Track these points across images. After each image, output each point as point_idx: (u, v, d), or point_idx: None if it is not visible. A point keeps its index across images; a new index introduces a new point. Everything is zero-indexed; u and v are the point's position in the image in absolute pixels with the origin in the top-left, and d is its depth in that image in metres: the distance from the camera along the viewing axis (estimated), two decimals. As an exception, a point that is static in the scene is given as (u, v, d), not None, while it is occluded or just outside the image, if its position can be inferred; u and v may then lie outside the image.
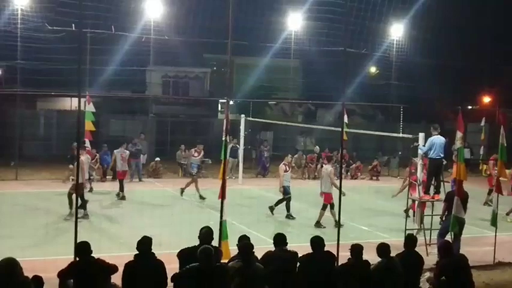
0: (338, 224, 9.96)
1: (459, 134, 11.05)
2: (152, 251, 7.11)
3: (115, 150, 19.01)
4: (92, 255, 7.09)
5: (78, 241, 7.40)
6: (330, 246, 7.97)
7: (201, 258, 6.54)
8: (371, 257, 7.79)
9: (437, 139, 12.95)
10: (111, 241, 11.80)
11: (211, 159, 22.06)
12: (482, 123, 24.99)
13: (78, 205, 13.17)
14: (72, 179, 17.14)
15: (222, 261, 7.48)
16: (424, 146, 13.01)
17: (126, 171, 18.72)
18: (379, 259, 7.69)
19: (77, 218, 8.30)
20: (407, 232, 10.49)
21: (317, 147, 25.60)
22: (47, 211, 14.27)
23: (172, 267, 7.26)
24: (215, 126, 29.33)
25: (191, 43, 27.89)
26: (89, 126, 14.62)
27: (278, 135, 29.70)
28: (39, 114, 28.89)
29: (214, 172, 20.91)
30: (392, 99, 29.04)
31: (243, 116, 22.68)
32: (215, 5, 22.39)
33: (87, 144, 15.22)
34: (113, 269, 7.17)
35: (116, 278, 7.25)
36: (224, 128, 10.05)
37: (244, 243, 7.30)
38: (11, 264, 6.16)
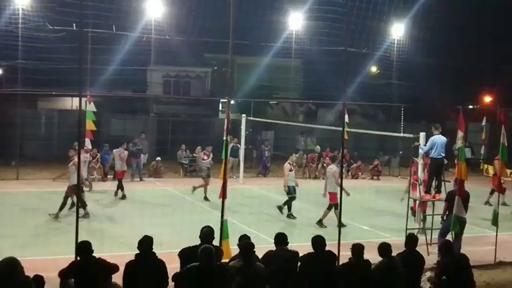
0: (340, 224, 9.94)
1: (460, 134, 11.06)
2: (153, 250, 7.11)
3: (114, 150, 19.07)
4: (93, 254, 7.09)
5: (79, 240, 7.41)
6: (331, 245, 7.95)
7: (201, 258, 6.55)
8: (372, 256, 7.78)
9: (439, 138, 12.94)
10: (112, 240, 11.79)
11: (212, 158, 22.03)
12: (483, 123, 24.96)
13: (73, 205, 13.16)
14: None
15: (222, 260, 7.48)
16: (425, 145, 13.02)
17: (124, 171, 18.71)
18: (380, 258, 7.69)
19: (77, 217, 8.30)
20: (408, 231, 10.49)
21: (318, 146, 25.58)
22: (47, 211, 14.26)
23: (173, 266, 7.26)
24: (216, 125, 29.37)
25: (192, 43, 27.85)
26: (89, 125, 14.64)
27: (279, 134, 29.70)
28: (40, 113, 28.87)
29: (215, 172, 20.86)
30: (393, 99, 29.02)
31: (244, 115, 22.68)
32: (216, 5, 22.44)
33: (88, 143, 15.24)
34: (114, 268, 7.17)
35: (117, 278, 7.25)
36: (225, 127, 10.05)
37: (245, 242, 7.29)
38: (12, 264, 6.17)
